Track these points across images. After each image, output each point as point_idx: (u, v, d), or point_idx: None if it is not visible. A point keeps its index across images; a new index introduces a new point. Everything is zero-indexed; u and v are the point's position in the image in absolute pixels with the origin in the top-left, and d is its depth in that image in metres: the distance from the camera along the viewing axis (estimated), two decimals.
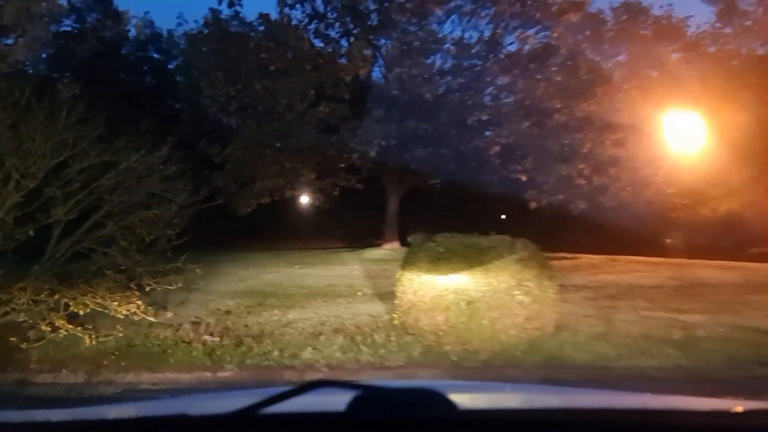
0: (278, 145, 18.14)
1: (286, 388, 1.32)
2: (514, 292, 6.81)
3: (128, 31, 27.14)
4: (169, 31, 30.54)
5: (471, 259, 7.02)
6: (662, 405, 1.80)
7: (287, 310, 9.01)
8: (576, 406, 1.71)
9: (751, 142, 19.61)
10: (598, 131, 17.51)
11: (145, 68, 29.94)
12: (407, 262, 7.57)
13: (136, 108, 21.32)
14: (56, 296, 6.25)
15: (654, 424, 1.37)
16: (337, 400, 1.32)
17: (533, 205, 18.17)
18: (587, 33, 30.60)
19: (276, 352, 6.68)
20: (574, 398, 2.02)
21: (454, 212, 24.67)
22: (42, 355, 6.42)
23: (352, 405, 1.28)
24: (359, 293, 10.74)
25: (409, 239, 11.01)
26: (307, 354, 6.65)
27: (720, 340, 6.93)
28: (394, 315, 7.77)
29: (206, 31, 20.07)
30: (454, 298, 6.81)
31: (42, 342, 6.40)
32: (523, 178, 17.75)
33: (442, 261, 7.12)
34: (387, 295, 8.97)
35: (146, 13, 39.13)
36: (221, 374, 6.23)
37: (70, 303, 6.34)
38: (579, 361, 6.40)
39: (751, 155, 20.17)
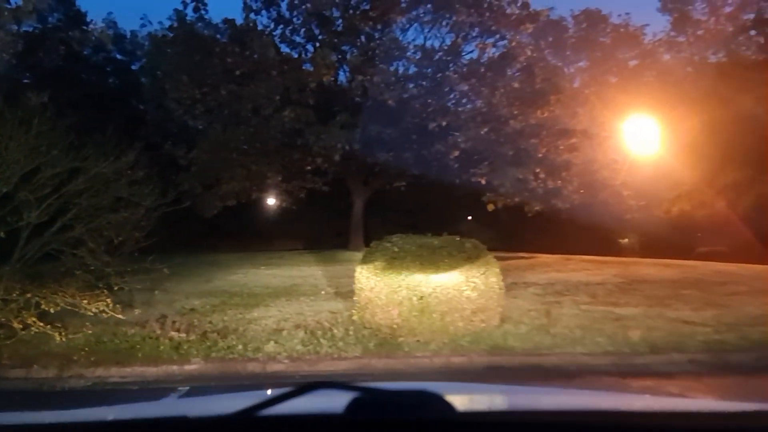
0: (244, 147, 18.43)
1: (285, 390, 1.32)
2: (462, 288, 7.41)
3: (91, 32, 26.90)
4: (133, 32, 30.42)
5: (423, 258, 7.59)
6: (661, 406, 1.83)
7: (252, 309, 9.43)
8: (573, 408, 1.72)
9: (703, 146, 20.73)
10: (553, 136, 18.38)
11: (108, 69, 29.71)
12: (365, 262, 8.10)
13: (99, 108, 21.27)
14: (27, 295, 6.53)
15: (652, 426, 1.37)
16: (337, 402, 1.35)
17: (490, 207, 18.96)
18: (550, 39, 31.81)
19: (240, 346, 7.10)
20: (571, 400, 2.03)
21: (421, 214, 25.26)
22: (13, 352, 6.68)
23: (351, 406, 1.30)
24: (322, 292, 11.22)
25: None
26: (270, 347, 7.09)
27: (646, 329, 7.66)
28: (353, 311, 8.29)
29: (171, 35, 20.16)
30: (407, 294, 7.37)
31: (13, 340, 6.67)
32: (482, 181, 18.52)
33: (396, 260, 7.68)
34: (348, 294, 9.43)
35: (109, 13, 38.70)
36: (188, 367, 6.61)
37: (41, 302, 6.63)
38: (519, 349, 7.02)
39: (703, 158, 21.32)
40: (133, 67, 29.88)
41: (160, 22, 32.66)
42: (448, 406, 1.36)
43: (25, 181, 6.80)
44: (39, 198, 6.87)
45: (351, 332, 7.61)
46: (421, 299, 7.31)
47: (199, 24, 21.04)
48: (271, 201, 24.75)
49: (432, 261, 7.52)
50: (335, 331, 7.69)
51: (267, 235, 26.55)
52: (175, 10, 20.43)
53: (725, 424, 1.35)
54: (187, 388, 6.05)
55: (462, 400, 1.66)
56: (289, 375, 6.51)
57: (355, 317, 8.13)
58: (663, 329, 7.72)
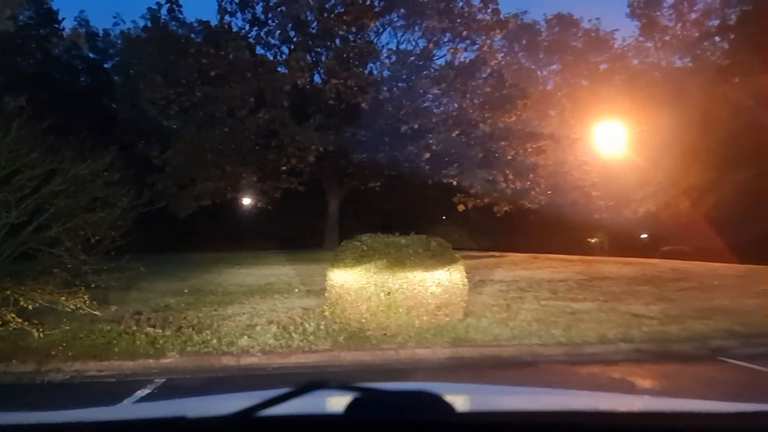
0: (219, 148, 18.59)
1: (283, 390, 1.31)
2: (427, 284, 7.85)
3: (62, 30, 26.64)
4: (105, 30, 30.21)
5: (390, 255, 8.01)
6: (661, 407, 1.86)
7: (226, 306, 9.72)
8: (573, 409, 1.72)
9: (669, 149, 21.61)
10: (522, 139, 18.97)
11: (80, 67, 29.44)
12: (336, 260, 8.48)
13: (72, 107, 21.13)
14: (6, 292, 6.73)
15: (651, 427, 1.37)
16: (335, 403, 1.35)
17: (461, 207, 19.49)
18: (523, 42, 32.58)
19: (215, 341, 7.40)
20: (571, 400, 2.04)
21: (396, 214, 25.65)
22: None
23: (351, 407, 1.30)
24: (296, 290, 11.54)
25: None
26: (244, 341, 7.40)
27: (598, 322, 8.23)
28: (324, 307, 8.66)
29: (145, 35, 20.20)
30: (375, 290, 7.78)
31: None
32: (453, 182, 19.03)
33: (365, 258, 8.08)
34: (320, 291, 9.78)
35: (81, 11, 38.27)
36: (163, 361, 6.88)
37: (20, 299, 6.84)
38: (479, 341, 7.48)
39: (669, 160, 22.19)
40: (106, 66, 29.70)
41: (134, 21, 32.47)
42: (448, 407, 1.36)
43: (3, 182, 6.99)
44: (17, 199, 7.08)
45: (322, 327, 7.98)
46: (388, 295, 7.72)
47: (173, 23, 21.12)
48: (246, 201, 24.85)
49: (399, 259, 7.94)
50: (307, 325, 8.05)
51: (242, 235, 26.57)
52: (149, 9, 20.49)
53: (720, 425, 1.36)
54: (163, 380, 6.38)
55: (462, 400, 1.69)
56: (261, 367, 6.84)
57: (326, 313, 8.50)
58: (613, 322, 8.29)
